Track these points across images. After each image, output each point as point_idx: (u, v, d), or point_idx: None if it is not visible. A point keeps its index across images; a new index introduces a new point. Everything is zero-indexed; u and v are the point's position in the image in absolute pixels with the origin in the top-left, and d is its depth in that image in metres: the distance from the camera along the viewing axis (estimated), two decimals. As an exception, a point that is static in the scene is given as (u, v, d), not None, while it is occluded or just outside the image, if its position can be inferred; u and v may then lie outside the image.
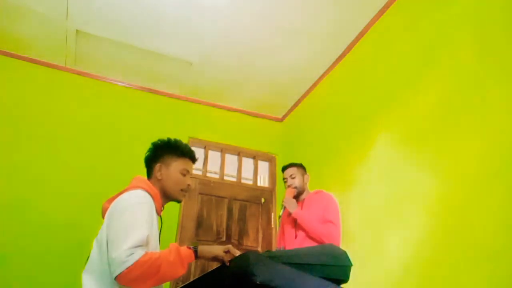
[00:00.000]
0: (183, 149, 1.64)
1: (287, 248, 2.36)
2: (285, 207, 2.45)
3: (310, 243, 2.22)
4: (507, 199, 1.61)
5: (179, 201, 1.65)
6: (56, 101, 3.36)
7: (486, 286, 1.61)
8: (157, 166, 1.61)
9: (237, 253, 1.45)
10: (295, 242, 2.34)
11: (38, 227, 2.85)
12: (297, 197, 2.49)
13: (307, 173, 2.57)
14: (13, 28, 3.11)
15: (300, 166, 2.57)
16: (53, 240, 2.83)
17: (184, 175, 1.62)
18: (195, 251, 1.45)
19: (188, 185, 1.63)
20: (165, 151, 1.63)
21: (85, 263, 1.46)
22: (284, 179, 2.54)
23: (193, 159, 1.68)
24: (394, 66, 2.58)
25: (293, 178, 2.51)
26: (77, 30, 3.12)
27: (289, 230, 2.42)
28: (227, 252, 1.47)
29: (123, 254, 1.26)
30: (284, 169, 2.56)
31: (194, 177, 3.55)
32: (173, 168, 1.60)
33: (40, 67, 3.43)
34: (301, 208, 2.40)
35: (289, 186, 2.49)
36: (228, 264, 1.44)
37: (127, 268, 1.24)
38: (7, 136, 3.08)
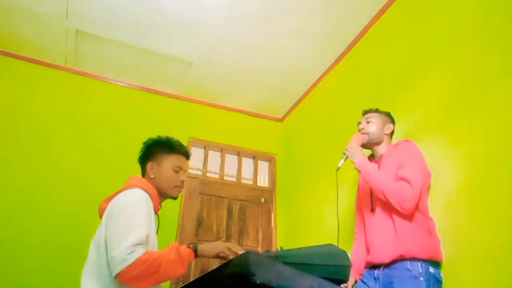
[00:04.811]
0: (174, 145, 1.64)
1: (366, 228, 1.97)
2: (346, 156, 1.97)
3: (389, 222, 1.78)
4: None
5: (174, 198, 1.64)
6: (56, 101, 3.36)
7: (488, 286, 1.61)
8: (149, 164, 1.61)
9: (240, 251, 1.44)
10: (372, 219, 1.90)
11: (38, 227, 2.85)
12: (370, 149, 2.02)
13: (394, 124, 2.07)
14: (13, 28, 3.11)
15: (384, 113, 2.07)
16: (52, 240, 2.83)
17: (176, 171, 1.61)
18: (195, 250, 1.44)
19: (182, 181, 1.61)
20: (156, 149, 1.63)
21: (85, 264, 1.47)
22: (358, 123, 2.07)
23: (185, 154, 1.67)
24: (394, 66, 2.57)
25: (368, 122, 2.02)
26: (77, 30, 3.12)
27: (366, 204, 1.99)
28: (228, 249, 1.46)
29: (124, 252, 1.25)
30: (363, 113, 2.09)
31: (194, 177, 3.55)
32: (165, 165, 1.60)
33: (40, 67, 3.43)
34: (379, 168, 1.89)
35: (359, 131, 2.02)
36: (229, 259, 1.42)
37: (127, 266, 1.24)
38: (6, 136, 3.08)
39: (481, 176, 1.75)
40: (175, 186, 1.61)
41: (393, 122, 2.10)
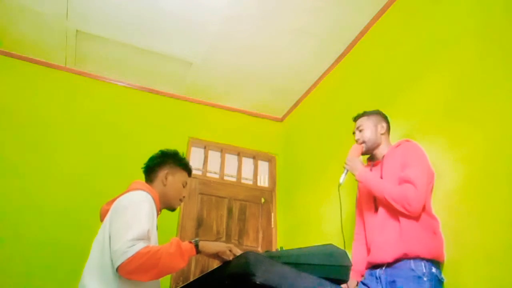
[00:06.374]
0: (186, 163, 1.81)
1: (367, 228, 1.98)
2: (347, 170, 2.00)
3: (393, 222, 1.79)
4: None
5: (173, 209, 1.75)
6: (56, 101, 3.36)
7: (488, 286, 1.61)
8: (164, 172, 1.72)
9: (239, 252, 1.46)
10: (375, 219, 1.91)
11: (38, 227, 2.85)
12: (370, 155, 2.04)
13: (386, 121, 2.07)
14: (13, 28, 3.11)
15: (373, 114, 2.07)
16: (53, 240, 2.83)
17: (184, 186, 1.76)
18: (196, 245, 1.47)
19: (184, 196, 1.77)
20: (172, 160, 1.76)
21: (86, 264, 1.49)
22: (354, 133, 2.09)
23: (191, 174, 1.85)
24: (394, 66, 2.57)
25: (361, 130, 2.04)
26: (77, 30, 3.12)
27: (368, 205, 2.00)
28: (229, 250, 1.48)
29: (125, 245, 1.31)
30: (354, 120, 2.11)
31: (194, 177, 3.55)
32: (177, 177, 1.74)
33: (40, 67, 3.43)
34: (381, 170, 1.91)
35: (356, 141, 2.05)
36: (229, 259, 1.44)
37: (127, 259, 1.29)
38: (6, 136, 3.08)
39: (481, 176, 1.75)
40: (179, 199, 1.74)
41: (385, 119, 2.10)
